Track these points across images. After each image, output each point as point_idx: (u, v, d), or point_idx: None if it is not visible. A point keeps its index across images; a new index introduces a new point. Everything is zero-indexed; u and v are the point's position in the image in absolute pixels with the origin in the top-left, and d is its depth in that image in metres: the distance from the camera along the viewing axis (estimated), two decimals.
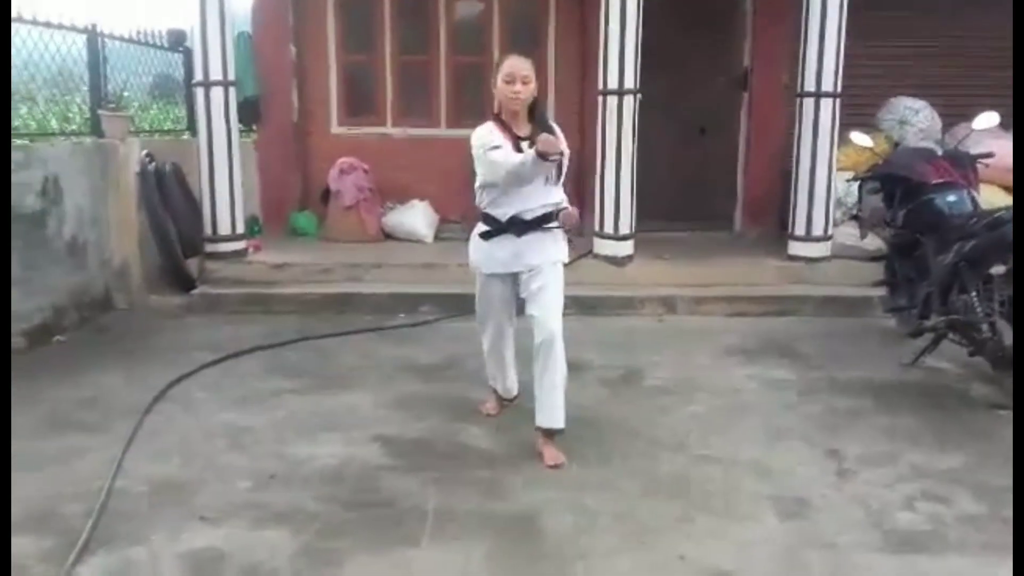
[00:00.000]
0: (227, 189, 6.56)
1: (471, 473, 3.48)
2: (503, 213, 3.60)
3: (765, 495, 3.31)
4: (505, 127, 3.56)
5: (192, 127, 7.35)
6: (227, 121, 6.49)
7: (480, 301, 3.87)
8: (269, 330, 5.58)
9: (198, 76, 6.46)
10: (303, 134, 8.16)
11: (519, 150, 3.45)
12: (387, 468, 3.54)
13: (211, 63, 6.37)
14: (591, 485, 3.38)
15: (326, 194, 7.71)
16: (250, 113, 7.91)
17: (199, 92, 6.49)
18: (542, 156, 3.21)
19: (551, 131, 3.43)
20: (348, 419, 4.09)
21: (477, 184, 3.64)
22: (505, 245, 3.63)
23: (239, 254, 6.69)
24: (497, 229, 3.63)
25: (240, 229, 6.73)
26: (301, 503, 3.21)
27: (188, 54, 7.21)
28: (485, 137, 3.53)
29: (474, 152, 3.55)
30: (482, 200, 3.65)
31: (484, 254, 3.72)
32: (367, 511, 3.15)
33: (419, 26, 8.09)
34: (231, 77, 6.50)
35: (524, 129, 3.56)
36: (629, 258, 6.55)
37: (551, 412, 3.57)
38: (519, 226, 3.59)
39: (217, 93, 6.43)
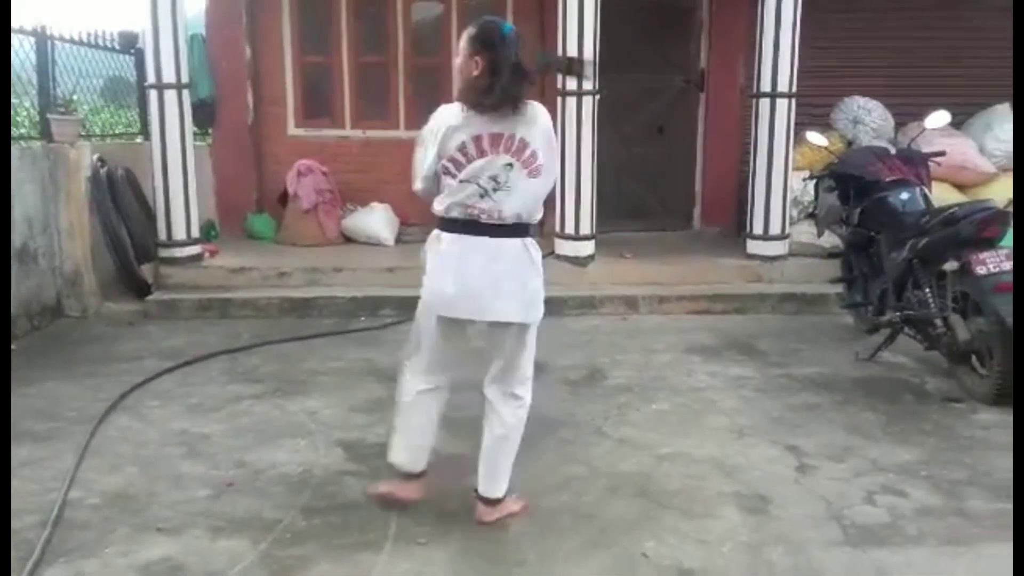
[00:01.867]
0: (181, 193, 6.44)
1: (433, 476, 3.45)
2: None
3: (727, 492, 3.33)
4: None
5: (145, 130, 7.23)
6: (181, 124, 6.37)
7: None
8: (227, 335, 5.50)
9: (151, 78, 6.33)
10: (259, 136, 8.05)
11: None
12: (350, 474, 3.50)
13: (164, 65, 6.25)
14: (553, 486, 3.37)
15: (284, 197, 7.63)
16: (204, 115, 7.79)
17: (152, 95, 6.36)
18: None
19: None
20: (309, 424, 4.04)
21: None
22: None
23: (195, 259, 6.58)
24: None
25: (195, 233, 6.61)
26: (261, 511, 3.16)
27: (140, 56, 7.09)
28: None
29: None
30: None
31: None
32: (329, 518, 3.11)
33: (377, 27, 8.03)
34: (184, 79, 6.39)
35: None
36: (591, 258, 6.57)
37: None
38: None
39: (170, 96, 6.31)
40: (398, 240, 7.66)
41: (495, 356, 3.04)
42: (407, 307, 5.95)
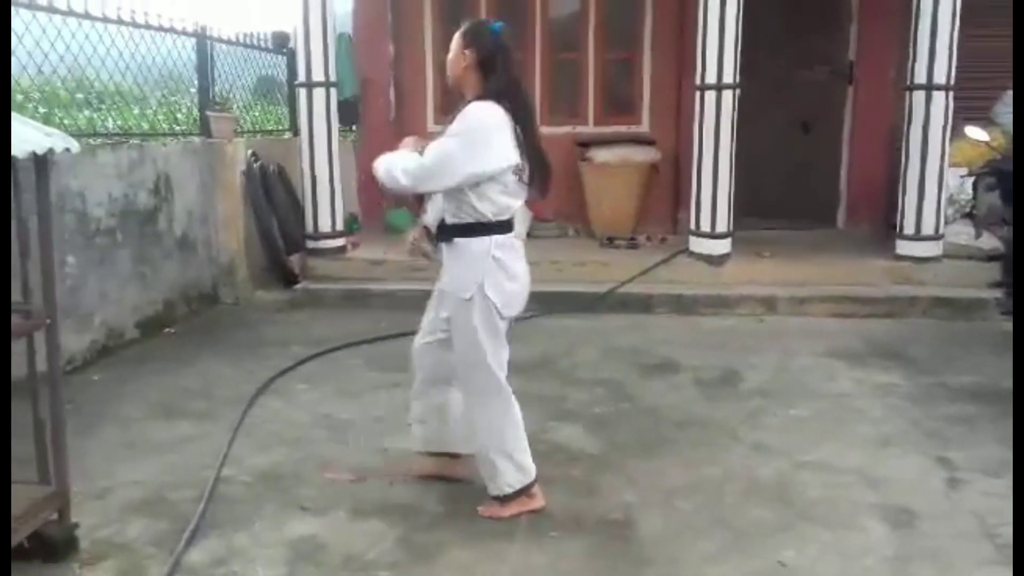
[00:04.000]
0: (327, 187, 6.73)
1: (565, 471, 3.47)
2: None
3: (870, 503, 3.20)
4: None
5: (294, 127, 7.57)
6: (328, 120, 6.65)
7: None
8: (367, 325, 5.69)
9: (301, 77, 6.65)
10: (400, 132, 8.24)
11: None
12: None
13: (313, 64, 6.54)
14: (686, 488, 3.33)
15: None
16: (349, 113, 8.08)
17: (301, 92, 6.67)
18: None
19: None
20: None
21: None
22: None
23: (339, 251, 6.85)
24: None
25: (340, 226, 6.89)
26: (399, 496, 3.26)
27: (291, 56, 7.42)
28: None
29: None
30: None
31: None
32: (463, 505, 3.18)
33: (515, 24, 8.10)
34: (332, 78, 6.66)
35: None
36: (726, 256, 6.42)
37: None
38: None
39: (319, 93, 6.60)
40: (530, 235, 7.70)
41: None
42: (539, 302, 6.03)
